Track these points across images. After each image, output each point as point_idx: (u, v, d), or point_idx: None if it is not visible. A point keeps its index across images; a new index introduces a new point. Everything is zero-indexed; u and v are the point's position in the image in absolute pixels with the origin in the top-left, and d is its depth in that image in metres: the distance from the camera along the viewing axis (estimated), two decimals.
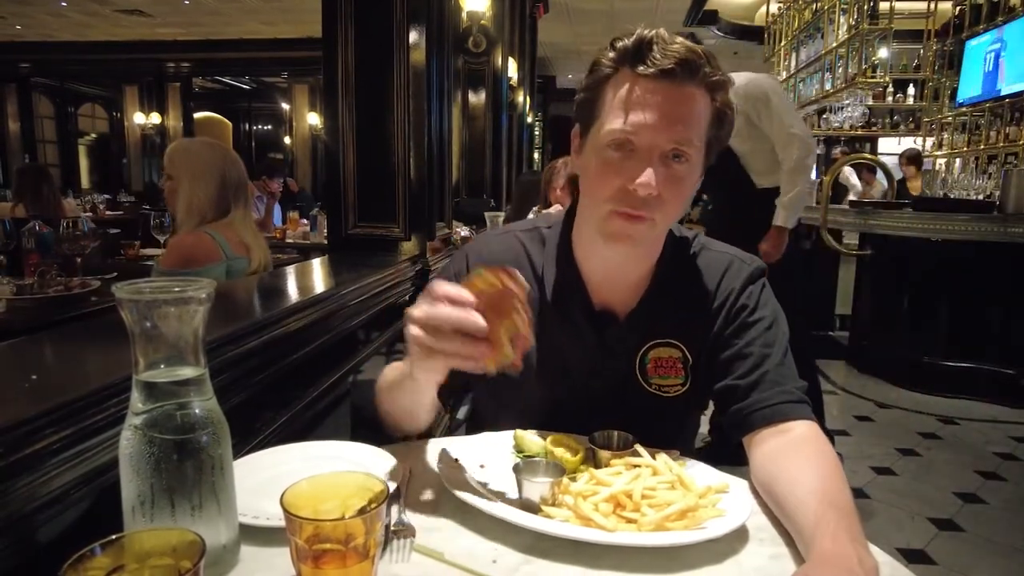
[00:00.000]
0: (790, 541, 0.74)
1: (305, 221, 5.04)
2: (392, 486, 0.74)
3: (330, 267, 2.01)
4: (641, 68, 0.84)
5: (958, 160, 6.12)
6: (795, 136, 2.55)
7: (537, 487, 0.76)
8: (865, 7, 5.74)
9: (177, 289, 0.60)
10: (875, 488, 2.73)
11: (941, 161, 6.38)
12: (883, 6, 5.85)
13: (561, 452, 0.86)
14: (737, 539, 0.73)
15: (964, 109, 5.72)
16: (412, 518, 0.75)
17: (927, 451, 3.13)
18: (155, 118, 11.93)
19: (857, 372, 4.35)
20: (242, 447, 1.03)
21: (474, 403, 1.20)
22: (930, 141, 6.54)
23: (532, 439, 0.89)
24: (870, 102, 7.28)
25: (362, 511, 0.58)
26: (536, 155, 12.28)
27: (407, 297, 2.07)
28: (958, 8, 5.81)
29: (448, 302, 0.70)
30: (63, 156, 12.70)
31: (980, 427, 3.44)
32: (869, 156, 7.45)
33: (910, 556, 2.23)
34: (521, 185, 3.72)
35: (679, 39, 0.85)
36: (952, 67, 5.87)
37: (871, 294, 4.47)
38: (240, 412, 1.06)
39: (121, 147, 12.42)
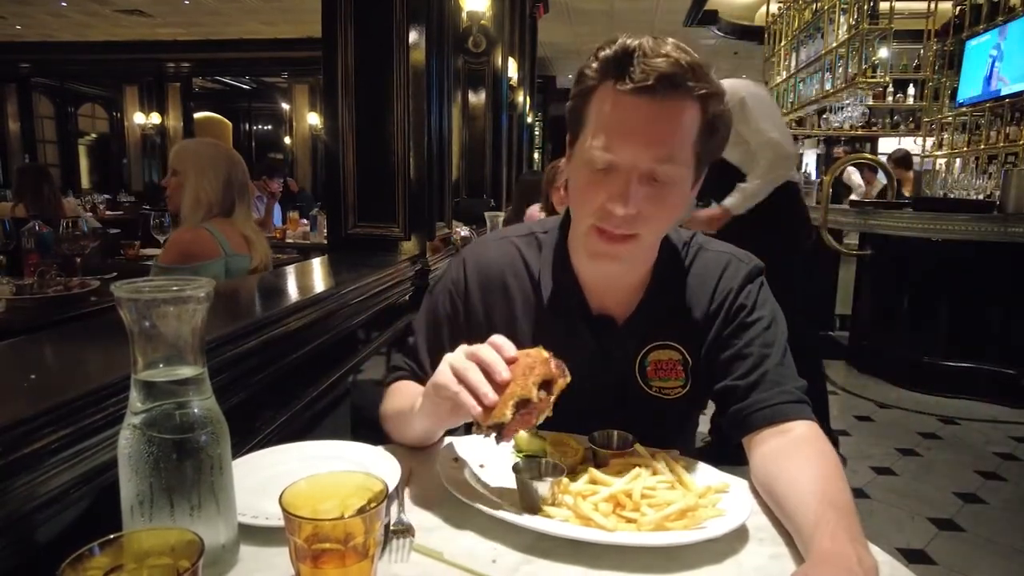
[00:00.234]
0: (790, 541, 0.73)
1: (305, 221, 5.04)
2: (391, 486, 0.74)
3: (330, 267, 2.01)
4: (620, 84, 0.81)
5: (958, 160, 6.11)
6: (770, 142, 2.51)
7: (537, 487, 0.76)
8: (865, 7, 5.73)
9: (176, 288, 0.60)
10: (875, 488, 2.73)
11: (941, 161, 6.37)
12: (883, 6, 5.85)
13: (561, 452, 0.86)
14: (737, 539, 0.73)
15: (964, 109, 5.71)
16: (412, 518, 0.75)
17: (927, 451, 3.13)
18: (155, 118, 11.93)
19: (857, 372, 4.35)
20: (242, 447, 1.03)
21: None
22: (930, 141, 6.53)
23: (532, 439, 0.89)
24: (870, 102, 7.27)
25: (361, 511, 0.58)
26: (536, 155, 12.28)
27: (407, 297, 2.07)
28: (958, 8, 5.81)
29: (493, 347, 0.77)
30: (63, 156, 12.70)
31: (980, 427, 3.43)
32: (869, 156, 7.46)
33: (910, 556, 2.23)
34: (522, 185, 3.72)
35: (666, 48, 0.80)
36: (952, 67, 5.87)
37: (871, 294, 4.46)
38: (240, 412, 1.06)
39: (121, 147, 12.42)
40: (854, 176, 6.81)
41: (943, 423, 3.49)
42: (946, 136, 6.22)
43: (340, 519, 0.58)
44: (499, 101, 5.75)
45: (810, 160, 13.04)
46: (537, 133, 12.13)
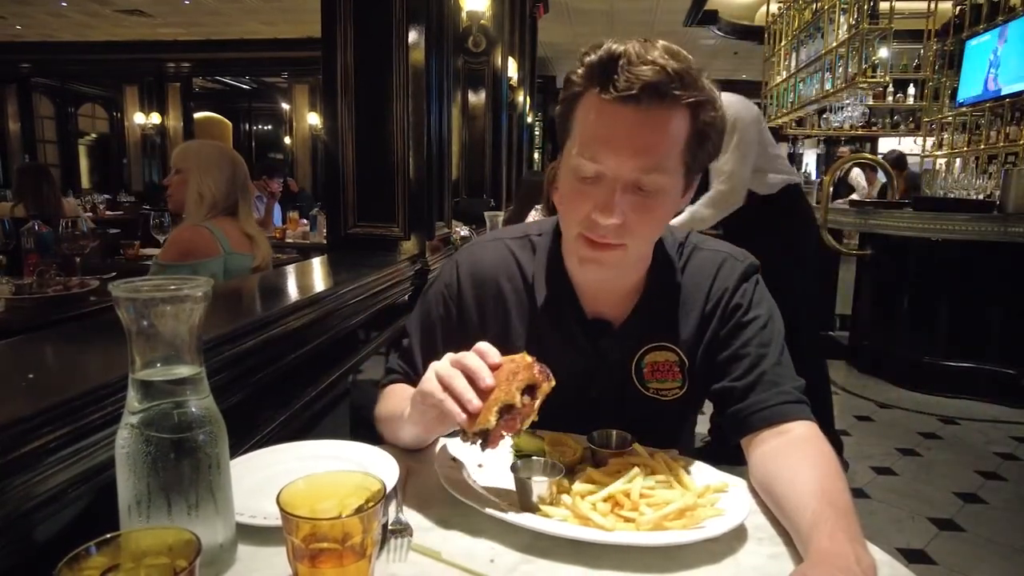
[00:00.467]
0: (789, 540, 0.73)
1: (305, 221, 5.05)
2: (389, 485, 0.74)
3: (329, 266, 2.01)
4: (604, 94, 0.79)
5: (958, 160, 6.11)
6: (732, 174, 2.50)
7: (535, 486, 0.76)
8: (865, 7, 5.73)
9: (173, 287, 0.60)
10: (875, 488, 2.73)
11: (941, 161, 6.37)
12: (883, 6, 5.84)
13: (559, 452, 0.86)
14: (736, 538, 0.73)
15: (964, 109, 5.71)
16: (410, 517, 0.75)
17: (927, 451, 3.13)
18: (155, 118, 11.92)
19: (857, 372, 4.35)
20: (240, 446, 1.02)
21: None
22: (930, 141, 6.53)
23: (530, 439, 0.88)
24: (870, 102, 7.26)
25: (359, 510, 0.58)
26: (536, 155, 12.28)
27: (406, 297, 2.07)
28: (958, 8, 5.80)
29: (477, 353, 0.77)
30: (63, 156, 12.70)
31: (980, 427, 3.43)
32: (869, 156, 7.46)
33: (910, 556, 2.23)
34: (524, 185, 3.72)
35: (653, 55, 0.78)
36: (952, 67, 5.86)
37: (871, 294, 4.46)
38: (238, 411, 1.06)
39: (121, 147, 12.41)
40: (860, 177, 6.81)
41: (943, 423, 3.49)
42: (946, 136, 6.21)
43: (338, 519, 0.58)
44: (499, 101, 5.74)
45: (810, 160, 13.06)
46: (537, 133, 12.13)
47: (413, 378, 1.01)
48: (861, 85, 5.97)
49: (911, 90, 7.20)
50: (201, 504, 0.62)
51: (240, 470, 0.79)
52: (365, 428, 1.01)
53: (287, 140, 12.58)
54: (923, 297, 4.01)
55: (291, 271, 2.00)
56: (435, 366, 0.78)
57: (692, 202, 2.61)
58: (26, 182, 3.77)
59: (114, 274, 2.47)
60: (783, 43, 7.83)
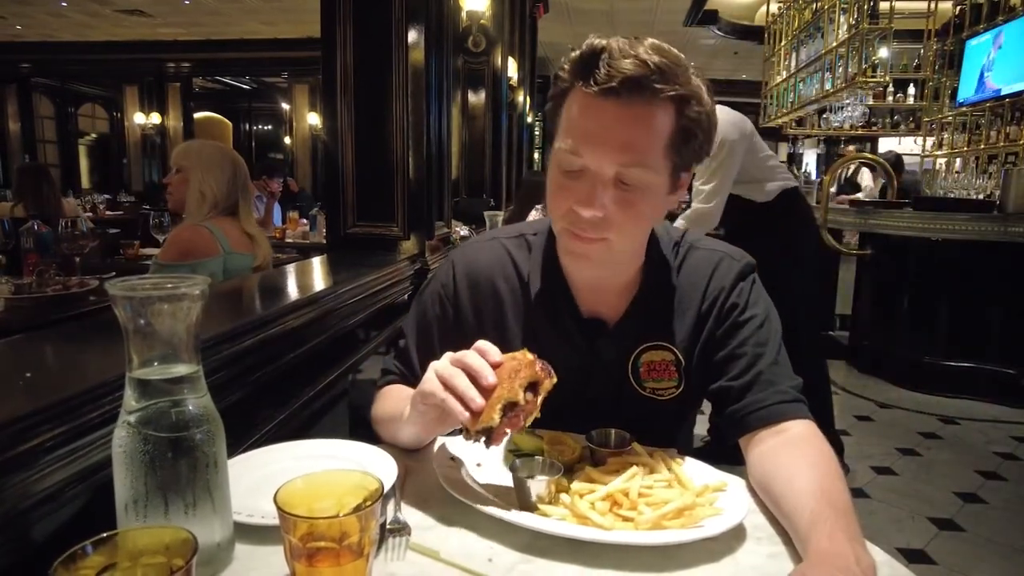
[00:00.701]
0: (788, 540, 0.73)
1: (305, 221, 5.04)
2: (387, 485, 0.74)
3: (328, 266, 2.01)
4: (586, 87, 0.80)
5: (958, 160, 6.11)
6: (707, 193, 2.49)
7: (534, 485, 0.76)
8: (865, 7, 5.72)
9: (170, 286, 0.59)
10: (875, 488, 2.72)
11: (941, 161, 6.37)
12: (883, 6, 5.84)
13: (558, 451, 0.86)
14: (734, 538, 0.73)
15: (964, 109, 5.71)
16: (408, 516, 0.75)
17: (927, 451, 3.13)
18: (155, 118, 11.93)
19: (857, 372, 4.35)
20: (239, 446, 1.02)
21: None
22: (930, 141, 6.53)
23: (529, 438, 0.88)
24: (870, 102, 7.26)
25: (357, 509, 0.58)
26: (536, 155, 12.27)
27: (406, 296, 2.07)
28: (958, 8, 5.80)
29: (478, 352, 0.77)
30: (63, 156, 12.70)
31: (981, 427, 3.43)
32: (870, 155, 7.45)
33: (910, 556, 2.23)
34: (525, 185, 3.72)
35: (638, 50, 0.78)
36: (952, 67, 5.86)
37: (871, 294, 4.46)
38: (237, 410, 1.06)
39: (121, 147, 12.42)
40: (867, 177, 6.80)
41: (943, 423, 3.49)
42: (946, 136, 6.21)
43: (335, 517, 0.57)
44: (499, 101, 5.75)
45: (810, 160, 13.05)
46: (537, 133, 12.12)
47: (410, 379, 1.01)
48: (861, 85, 5.97)
49: (911, 90, 7.19)
50: (198, 503, 0.62)
51: (238, 469, 0.78)
52: (364, 428, 1.01)
53: (287, 140, 12.58)
54: (923, 297, 4.01)
55: (290, 270, 2.00)
56: (435, 366, 0.78)
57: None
58: (26, 182, 3.77)
59: (113, 274, 2.47)
60: (783, 43, 7.83)
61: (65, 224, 2.37)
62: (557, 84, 0.87)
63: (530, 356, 0.77)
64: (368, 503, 0.58)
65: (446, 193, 2.70)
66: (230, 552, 0.66)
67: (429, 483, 0.82)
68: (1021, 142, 5.01)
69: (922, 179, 6.19)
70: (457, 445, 0.89)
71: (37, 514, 0.67)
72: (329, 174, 2.21)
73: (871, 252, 4.40)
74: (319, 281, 1.79)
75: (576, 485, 0.77)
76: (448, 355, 0.79)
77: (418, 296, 1.07)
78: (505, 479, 0.80)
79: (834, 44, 6.19)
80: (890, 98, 7.29)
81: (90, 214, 6.95)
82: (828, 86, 6.49)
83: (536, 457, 0.82)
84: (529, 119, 8.81)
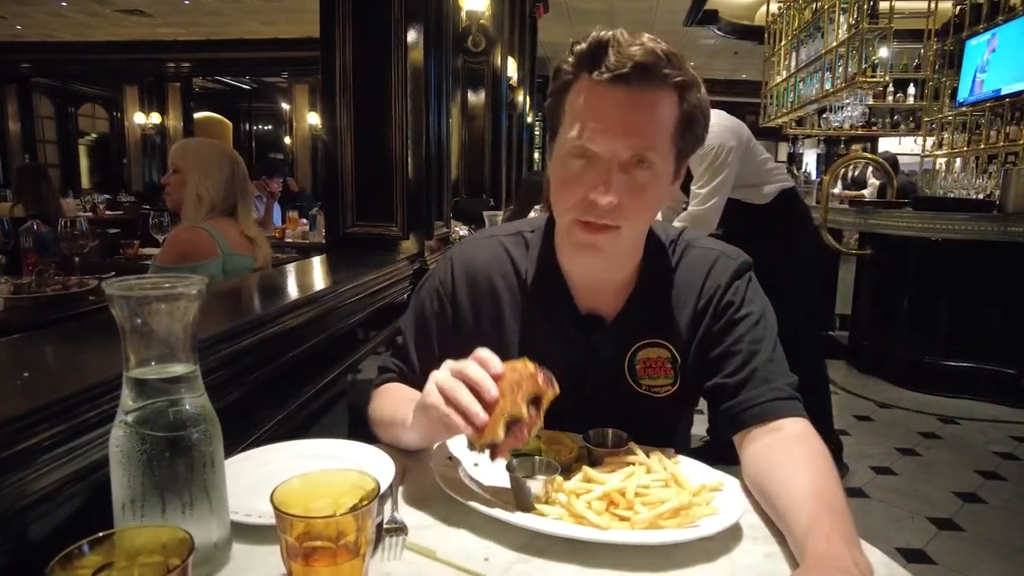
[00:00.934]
0: (784, 540, 0.73)
1: (304, 221, 5.04)
2: (385, 484, 0.74)
3: (327, 265, 2.01)
4: (596, 74, 0.81)
5: (958, 160, 6.10)
6: (703, 196, 2.49)
7: (531, 485, 0.76)
8: (865, 6, 5.72)
9: (167, 285, 0.60)
10: (875, 488, 2.72)
11: (941, 161, 6.37)
12: (883, 5, 5.83)
13: (555, 450, 0.86)
14: (731, 537, 0.73)
15: (964, 109, 5.71)
16: (405, 516, 0.75)
17: (927, 451, 3.13)
18: (155, 118, 11.93)
19: (857, 372, 4.35)
20: (237, 445, 1.02)
21: None
22: (930, 141, 6.53)
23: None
24: (870, 102, 7.26)
25: (353, 509, 0.58)
26: (536, 155, 12.27)
27: (405, 296, 2.07)
28: (958, 8, 5.80)
29: (479, 362, 0.75)
30: (63, 156, 12.71)
31: (980, 427, 3.43)
32: (869, 155, 7.45)
33: (909, 556, 2.23)
34: (526, 184, 3.72)
35: (641, 40, 0.81)
36: (952, 67, 5.86)
37: (871, 294, 4.46)
38: (236, 410, 1.06)
39: (121, 147, 12.42)
40: (871, 178, 6.81)
41: (943, 423, 3.49)
42: (946, 136, 6.21)
43: (331, 517, 0.58)
44: (499, 101, 5.75)
45: (810, 160, 13.05)
46: (537, 133, 12.11)
47: (408, 376, 1.01)
48: (861, 85, 5.97)
49: (911, 90, 7.19)
50: (195, 503, 0.62)
51: (236, 468, 0.79)
52: (363, 427, 1.01)
53: (287, 140, 12.58)
54: (923, 297, 4.01)
55: (289, 270, 2.00)
56: (435, 377, 0.77)
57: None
58: (25, 182, 3.78)
59: (113, 274, 2.47)
60: (783, 43, 7.83)
61: (64, 224, 2.37)
62: (560, 77, 0.87)
63: (531, 367, 0.76)
64: (364, 503, 0.58)
65: (445, 193, 2.70)
66: (227, 551, 0.66)
67: (427, 483, 0.82)
68: (1021, 142, 5.01)
69: (921, 179, 6.18)
70: (455, 445, 0.89)
71: (35, 513, 0.67)
72: (328, 174, 2.21)
73: (871, 252, 4.40)
74: (318, 281, 1.79)
75: (573, 484, 0.78)
76: (448, 364, 0.77)
77: (416, 293, 1.07)
78: (502, 479, 0.80)
79: (834, 44, 6.19)
80: (890, 98, 7.29)
81: (90, 214, 6.95)
82: (828, 86, 6.49)
83: (533, 457, 0.82)
84: (529, 119, 8.81)
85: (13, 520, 0.65)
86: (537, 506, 0.75)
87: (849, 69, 5.93)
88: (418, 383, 0.85)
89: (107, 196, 9.38)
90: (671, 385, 0.96)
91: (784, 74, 7.83)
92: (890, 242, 4.14)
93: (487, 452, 0.74)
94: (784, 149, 13.01)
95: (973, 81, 5.39)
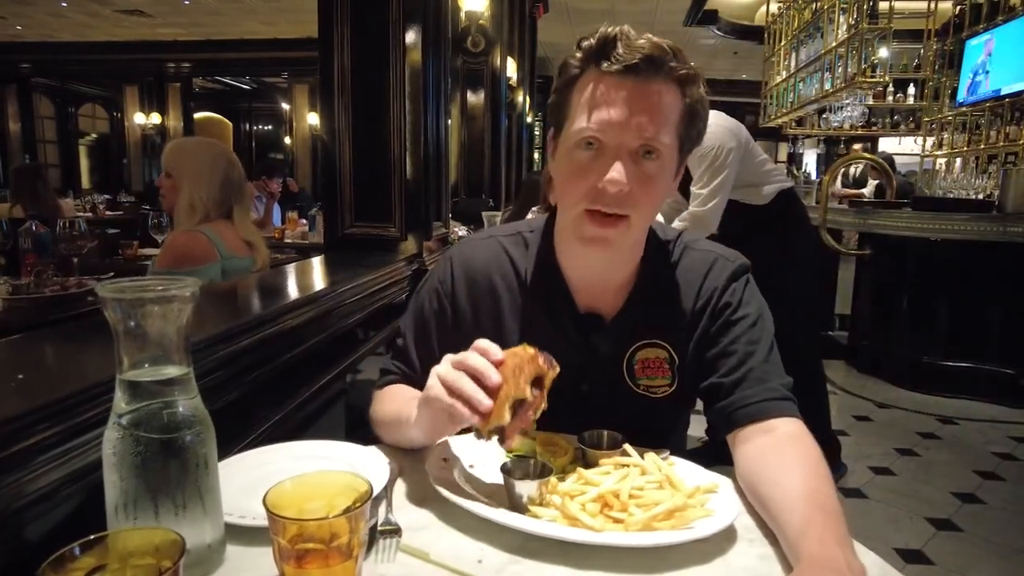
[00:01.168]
0: (778, 542, 0.73)
1: (304, 221, 5.04)
2: (378, 486, 0.74)
3: (326, 266, 2.01)
4: (606, 65, 0.83)
5: (958, 160, 6.10)
6: (703, 197, 2.49)
7: (525, 487, 0.76)
8: (865, 7, 5.72)
9: (160, 288, 0.60)
10: (873, 488, 2.72)
11: (941, 161, 6.36)
12: (883, 6, 5.84)
13: (551, 452, 0.86)
14: (725, 539, 0.73)
15: (964, 109, 5.71)
16: (400, 518, 0.75)
17: (926, 451, 3.13)
18: (155, 118, 11.93)
19: (857, 372, 4.35)
20: (234, 446, 1.02)
21: None
22: (930, 141, 6.52)
23: (522, 439, 0.88)
24: (870, 102, 7.25)
25: (346, 511, 0.58)
26: (536, 155, 12.27)
27: (403, 296, 2.07)
28: (958, 8, 5.80)
29: (478, 351, 0.76)
30: (63, 156, 12.72)
31: (979, 427, 3.43)
32: (868, 155, 7.45)
33: (908, 556, 2.23)
34: (526, 185, 3.71)
35: (646, 35, 0.84)
36: (952, 67, 5.86)
37: (870, 294, 4.46)
38: (233, 411, 1.06)
39: (121, 147, 12.43)
40: (872, 176, 6.81)
41: (942, 423, 3.49)
42: (946, 136, 6.21)
43: (324, 519, 0.57)
44: (498, 101, 5.75)
45: (810, 160, 13.04)
46: (537, 133, 12.12)
47: (410, 376, 1.01)
48: (861, 85, 5.97)
49: (911, 90, 7.19)
50: (189, 504, 0.62)
51: (232, 470, 0.79)
52: (362, 428, 1.01)
53: (287, 140, 12.59)
54: (922, 297, 4.01)
55: (287, 270, 2.00)
56: (437, 371, 0.78)
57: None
58: (22, 183, 3.78)
59: (112, 274, 2.47)
60: (783, 43, 7.83)
61: (63, 224, 2.37)
62: (567, 72, 0.89)
63: (531, 350, 0.77)
64: (357, 505, 0.58)
65: (444, 194, 2.70)
66: (221, 553, 0.66)
67: (422, 484, 0.82)
68: (1021, 142, 5.01)
69: (921, 180, 6.18)
70: (450, 446, 0.90)
71: (31, 514, 0.68)
72: (327, 175, 2.21)
73: (870, 252, 4.40)
74: (316, 281, 1.79)
75: (567, 486, 0.78)
76: (448, 358, 0.78)
77: (416, 293, 1.08)
78: (497, 480, 0.80)
79: (834, 44, 6.19)
80: (890, 98, 7.28)
81: (90, 214, 6.96)
82: (828, 86, 6.49)
83: (528, 459, 0.82)
84: (529, 119, 8.81)
85: (9, 521, 0.65)
86: (531, 508, 0.75)
87: (849, 69, 5.93)
88: (419, 384, 0.85)
89: (107, 196, 9.36)
90: (669, 386, 0.96)
91: (784, 74, 7.83)
92: (889, 242, 4.14)
93: (495, 438, 0.75)
94: (784, 149, 13.00)
95: (973, 81, 5.39)
